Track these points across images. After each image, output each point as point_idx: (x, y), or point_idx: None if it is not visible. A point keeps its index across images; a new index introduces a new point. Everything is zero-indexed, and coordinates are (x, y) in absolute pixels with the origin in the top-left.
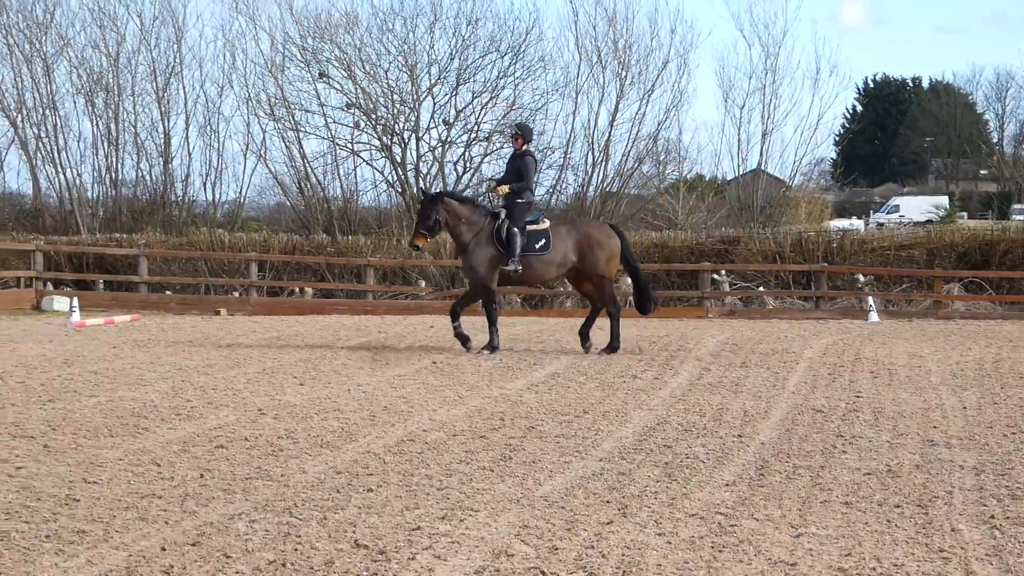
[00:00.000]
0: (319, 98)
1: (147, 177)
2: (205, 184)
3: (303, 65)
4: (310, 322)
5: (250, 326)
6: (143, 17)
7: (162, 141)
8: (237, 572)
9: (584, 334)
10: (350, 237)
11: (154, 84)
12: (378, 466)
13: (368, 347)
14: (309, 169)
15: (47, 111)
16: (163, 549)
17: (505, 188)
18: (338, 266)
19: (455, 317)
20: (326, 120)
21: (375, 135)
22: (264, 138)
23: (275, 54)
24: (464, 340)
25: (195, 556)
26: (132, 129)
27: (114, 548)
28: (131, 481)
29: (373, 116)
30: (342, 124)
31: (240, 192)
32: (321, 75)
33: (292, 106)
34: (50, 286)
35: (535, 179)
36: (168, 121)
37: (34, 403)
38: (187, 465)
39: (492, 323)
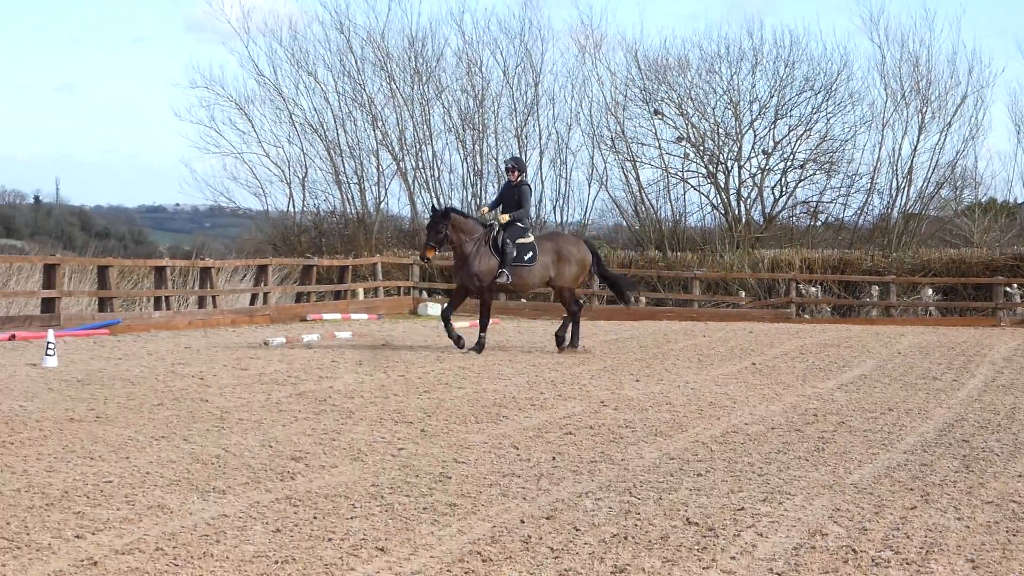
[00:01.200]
0: (654, 133)
1: None
2: (554, 208)
3: (641, 104)
4: (643, 326)
5: (592, 329)
6: (506, 65)
7: None
8: (585, 543)
9: (561, 337)
10: (679, 253)
11: (514, 122)
12: (706, 454)
13: (694, 349)
14: (644, 194)
15: (423, 146)
16: (522, 521)
17: (506, 217)
18: (668, 278)
19: (447, 321)
20: (660, 151)
21: (702, 164)
22: (605, 168)
23: (616, 95)
24: (458, 341)
25: (549, 528)
26: (494, 161)
27: (480, 519)
28: (494, 462)
29: (701, 148)
30: (673, 155)
31: (584, 215)
32: (656, 113)
33: (630, 140)
34: (424, 294)
35: (530, 206)
36: (525, 155)
37: (412, 393)
38: (541, 449)
39: (485, 327)
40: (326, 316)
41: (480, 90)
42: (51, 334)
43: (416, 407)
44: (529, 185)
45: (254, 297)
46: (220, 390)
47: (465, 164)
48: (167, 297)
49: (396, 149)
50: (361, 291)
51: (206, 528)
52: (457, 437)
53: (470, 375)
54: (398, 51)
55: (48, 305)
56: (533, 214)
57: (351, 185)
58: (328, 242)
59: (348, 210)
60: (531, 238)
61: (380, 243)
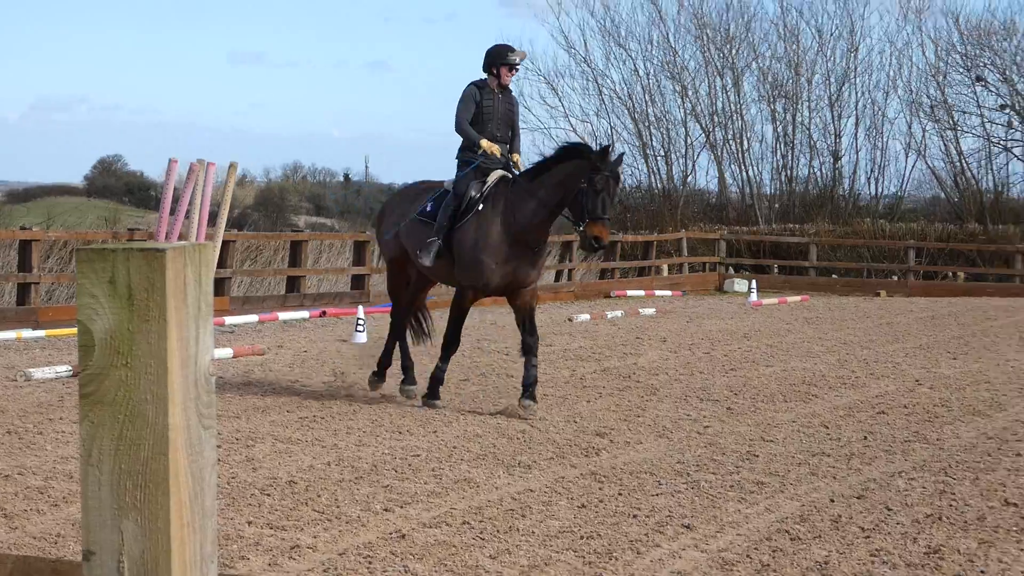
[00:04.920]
0: (976, 100)
1: (817, 174)
2: (869, 179)
3: (962, 70)
4: (961, 303)
5: (907, 306)
6: (822, 32)
7: (832, 141)
8: (897, 523)
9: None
10: (1000, 226)
11: (828, 91)
12: None
13: (1016, 327)
14: (964, 164)
15: (734, 117)
16: (832, 501)
17: (518, 157)
18: (988, 252)
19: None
20: (982, 119)
21: None
22: (923, 137)
23: (938, 61)
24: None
25: (860, 508)
26: (806, 131)
27: (789, 498)
28: (803, 441)
29: None
30: (996, 123)
31: (900, 186)
32: (978, 79)
33: (951, 108)
34: (731, 270)
35: None
36: (838, 124)
37: (718, 371)
38: (852, 428)
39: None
40: (630, 292)
41: (794, 58)
42: (361, 310)
43: (722, 385)
44: None
45: (559, 274)
46: None
47: (776, 134)
48: None
49: (706, 121)
50: (666, 267)
51: (512, 503)
52: (764, 416)
53: (778, 353)
54: (713, 19)
55: (358, 282)
56: None
57: (658, 158)
58: (633, 217)
59: (654, 184)
60: None
61: (686, 218)
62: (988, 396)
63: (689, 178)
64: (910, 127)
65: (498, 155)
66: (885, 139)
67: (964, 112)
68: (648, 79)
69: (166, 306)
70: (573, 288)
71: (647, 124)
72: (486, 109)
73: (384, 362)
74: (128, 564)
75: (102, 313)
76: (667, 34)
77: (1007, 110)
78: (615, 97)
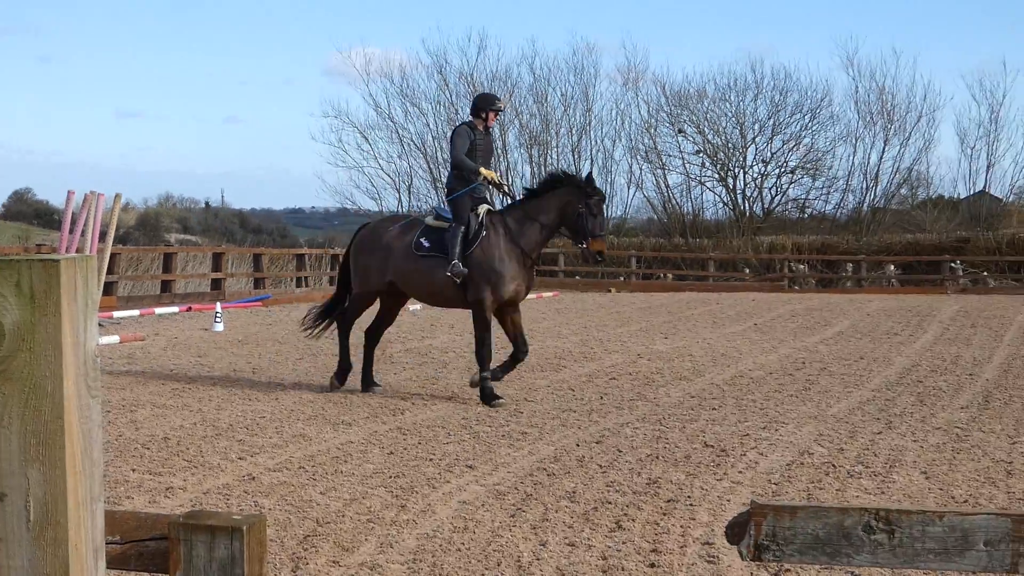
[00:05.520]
0: (679, 147)
1: None
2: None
3: (668, 125)
4: (670, 297)
5: (631, 299)
6: (565, 96)
7: None
8: (626, 461)
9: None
10: (697, 240)
11: (571, 140)
12: (718, 393)
13: (709, 313)
14: (670, 194)
15: (501, 159)
16: (577, 445)
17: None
18: (689, 259)
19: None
20: (683, 161)
21: (715, 170)
22: (640, 174)
23: (650, 118)
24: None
25: (598, 450)
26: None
27: (546, 444)
28: (555, 400)
29: (714, 158)
30: (693, 164)
31: (624, 210)
32: (680, 131)
33: (660, 153)
34: None
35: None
36: (579, 164)
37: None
38: (591, 390)
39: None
40: None
41: (545, 115)
42: (219, 306)
43: (496, 359)
44: None
45: None
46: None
47: (532, 172)
48: (306, 277)
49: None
50: None
51: (337, 451)
52: (527, 382)
53: (536, 335)
54: (483, 86)
55: (216, 284)
56: None
57: (446, 190)
58: None
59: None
60: None
61: None
62: (690, 365)
63: None
64: (631, 167)
65: (495, 180)
66: (613, 176)
67: (670, 156)
68: (437, 130)
69: (60, 304)
70: None
71: (437, 164)
72: (477, 145)
73: (344, 366)
74: (33, 503)
75: (10, 309)
76: (450, 97)
77: (700, 154)
78: (412, 144)
